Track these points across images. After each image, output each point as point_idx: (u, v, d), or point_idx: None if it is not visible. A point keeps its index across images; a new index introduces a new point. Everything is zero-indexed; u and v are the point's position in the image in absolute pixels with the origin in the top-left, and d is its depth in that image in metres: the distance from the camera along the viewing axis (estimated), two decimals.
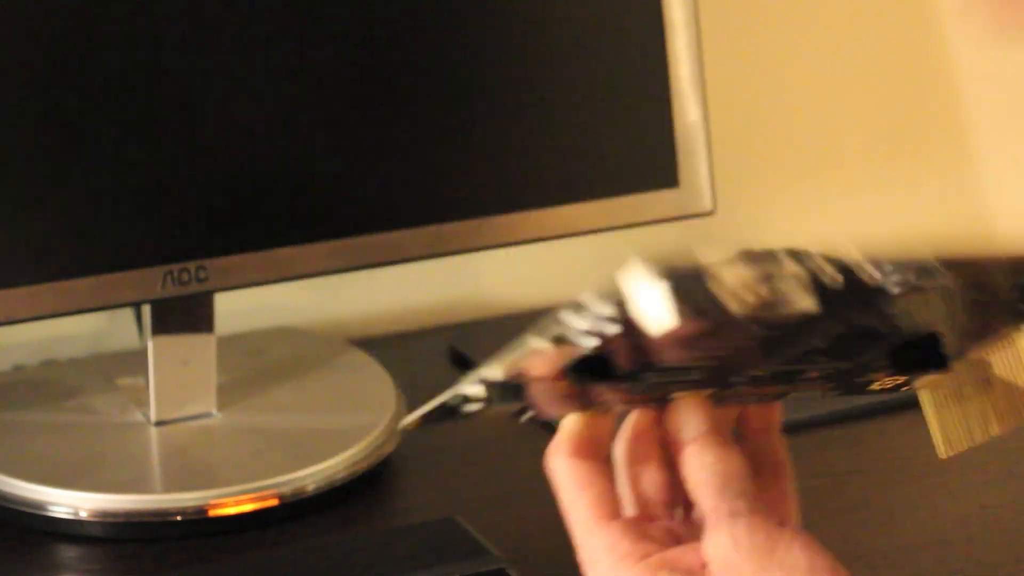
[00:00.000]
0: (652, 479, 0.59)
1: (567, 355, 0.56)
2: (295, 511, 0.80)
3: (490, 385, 0.61)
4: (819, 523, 0.77)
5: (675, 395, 0.58)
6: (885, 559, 0.81)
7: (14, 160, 0.82)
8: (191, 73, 0.83)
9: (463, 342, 0.95)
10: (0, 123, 0.81)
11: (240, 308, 0.95)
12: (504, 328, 0.94)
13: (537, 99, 0.88)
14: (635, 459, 0.60)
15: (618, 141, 0.89)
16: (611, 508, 0.58)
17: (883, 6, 1.10)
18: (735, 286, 0.51)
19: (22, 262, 0.81)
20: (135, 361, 0.88)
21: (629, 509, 0.59)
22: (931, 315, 0.55)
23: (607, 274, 0.95)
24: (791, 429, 0.87)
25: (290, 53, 0.86)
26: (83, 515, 0.79)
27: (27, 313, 0.81)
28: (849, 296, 0.54)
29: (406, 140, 0.86)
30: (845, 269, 0.53)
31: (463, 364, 0.94)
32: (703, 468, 0.57)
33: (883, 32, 1.10)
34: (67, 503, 0.79)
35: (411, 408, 0.87)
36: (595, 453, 0.59)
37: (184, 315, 0.85)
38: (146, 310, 0.85)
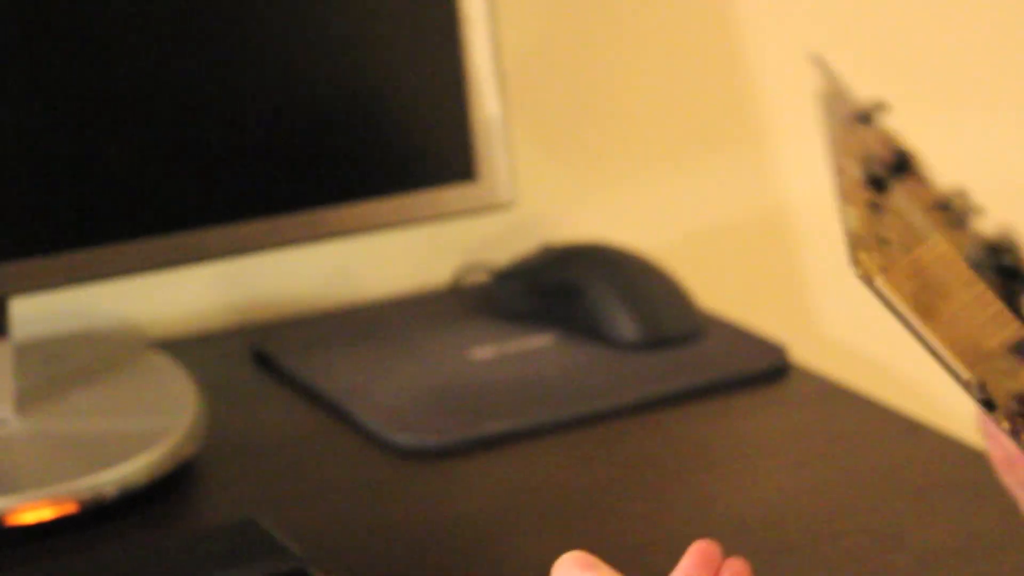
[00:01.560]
0: None
1: None
2: (96, 517, 0.78)
3: None
4: (621, 510, 0.83)
5: None
6: (687, 544, 0.71)
7: None
8: None
9: (267, 342, 0.95)
10: None
11: (39, 312, 0.94)
12: (307, 327, 0.99)
13: (332, 96, 0.88)
14: None
15: (415, 136, 0.90)
16: None
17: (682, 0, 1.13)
18: None
19: None
20: None
21: None
22: None
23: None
24: (594, 419, 0.90)
25: (69, 45, 0.84)
26: None
27: None
28: None
29: (199, 139, 0.86)
30: None
31: (266, 365, 0.94)
32: None
33: (680, 24, 1.11)
34: None
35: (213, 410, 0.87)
36: None
37: None
38: None
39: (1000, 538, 0.78)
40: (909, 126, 1.26)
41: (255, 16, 0.87)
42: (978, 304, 0.53)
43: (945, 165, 1.21)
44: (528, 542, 0.80)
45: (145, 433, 0.82)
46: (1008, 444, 0.57)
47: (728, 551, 0.76)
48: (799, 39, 1.15)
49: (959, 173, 1.26)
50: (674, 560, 0.74)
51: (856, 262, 0.52)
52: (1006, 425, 0.53)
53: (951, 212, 0.56)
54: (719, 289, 1.13)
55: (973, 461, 0.82)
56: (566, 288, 0.98)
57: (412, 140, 0.89)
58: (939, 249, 0.54)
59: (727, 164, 1.14)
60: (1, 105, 0.81)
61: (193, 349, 0.95)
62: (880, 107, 0.56)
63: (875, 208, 0.54)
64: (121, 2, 0.84)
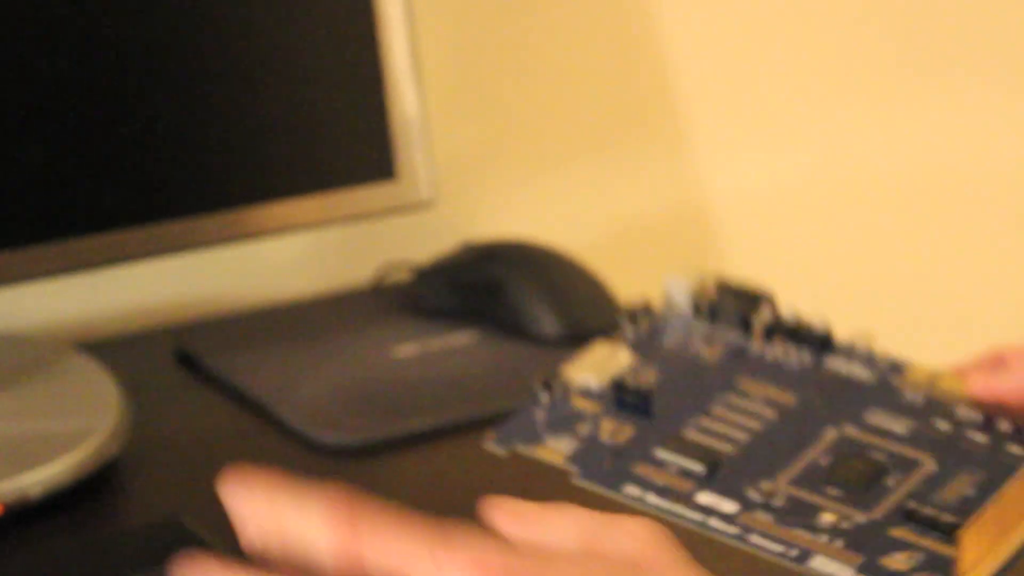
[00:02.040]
0: None
1: None
2: (21, 518, 0.77)
3: None
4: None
5: None
6: None
7: None
8: None
9: (190, 342, 0.95)
10: None
11: None
12: (230, 327, 0.98)
13: (250, 97, 0.88)
14: None
15: (334, 135, 0.90)
16: None
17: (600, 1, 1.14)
18: None
19: None
20: None
21: None
22: None
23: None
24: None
25: None
26: None
27: None
28: None
29: (117, 139, 0.85)
30: None
31: (190, 365, 0.94)
32: None
33: (600, 22, 1.12)
34: None
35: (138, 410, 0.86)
36: None
37: None
38: None
39: None
40: (832, 118, 1.25)
41: (170, 15, 0.86)
42: None
43: (868, 156, 1.18)
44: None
45: (69, 434, 0.81)
46: None
47: None
48: (719, 38, 1.17)
49: (883, 163, 1.26)
50: None
51: None
52: None
53: None
54: (639, 285, 1.17)
55: None
56: (487, 285, 0.98)
57: (331, 139, 0.89)
58: None
59: (647, 162, 1.15)
60: None
61: (116, 350, 0.94)
62: None
63: None
64: (28, 2, 0.83)
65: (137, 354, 0.94)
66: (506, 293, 0.97)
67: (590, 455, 0.62)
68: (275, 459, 0.77)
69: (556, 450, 0.63)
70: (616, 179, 1.14)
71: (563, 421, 0.64)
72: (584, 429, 0.63)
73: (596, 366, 0.66)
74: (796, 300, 0.93)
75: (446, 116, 1.02)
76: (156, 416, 0.87)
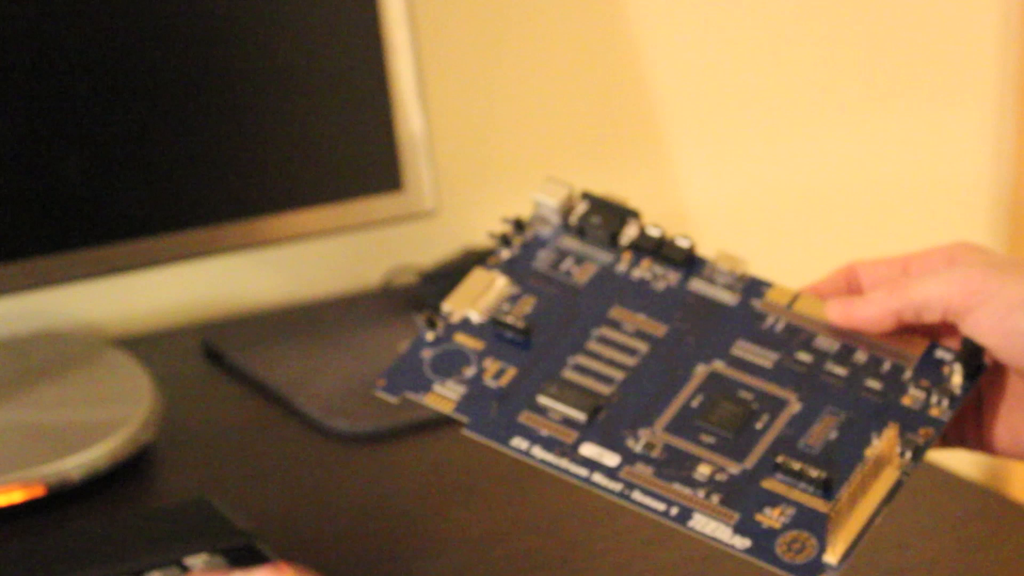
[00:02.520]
0: None
1: None
2: (62, 499, 0.80)
3: None
4: (537, 484, 0.76)
5: None
6: (595, 509, 0.79)
7: None
8: None
9: (216, 339, 0.97)
10: None
11: (5, 314, 0.97)
12: (252, 325, 1.00)
13: (269, 118, 0.91)
14: None
15: (345, 150, 0.92)
16: None
17: (585, 21, 1.14)
18: None
19: None
20: None
21: None
22: None
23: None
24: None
25: (29, 69, 0.85)
26: None
27: None
28: None
29: (150, 157, 0.88)
30: None
31: (215, 359, 0.97)
32: None
33: (586, 43, 1.14)
34: None
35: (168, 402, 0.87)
36: None
37: None
38: None
39: None
40: (795, 134, 1.23)
41: (198, 45, 0.89)
42: None
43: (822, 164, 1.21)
44: (454, 514, 0.82)
45: (106, 423, 0.84)
46: None
47: (619, 520, 0.77)
48: (699, 65, 1.19)
49: (839, 172, 1.24)
50: (587, 526, 0.80)
51: None
52: None
53: None
54: None
55: None
56: None
57: (343, 154, 0.92)
58: None
59: (629, 172, 1.18)
60: None
61: (149, 345, 0.97)
62: None
63: None
64: (74, 29, 0.85)
65: (168, 350, 0.98)
66: None
67: (476, 402, 0.62)
68: (292, 446, 0.87)
69: (444, 397, 0.63)
70: (602, 188, 1.13)
71: (448, 361, 0.64)
72: (469, 372, 0.62)
73: (474, 297, 0.65)
74: None
75: (448, 133, 1.05)
76: (185, 406, 0.91)
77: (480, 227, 1.01)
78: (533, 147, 1.15)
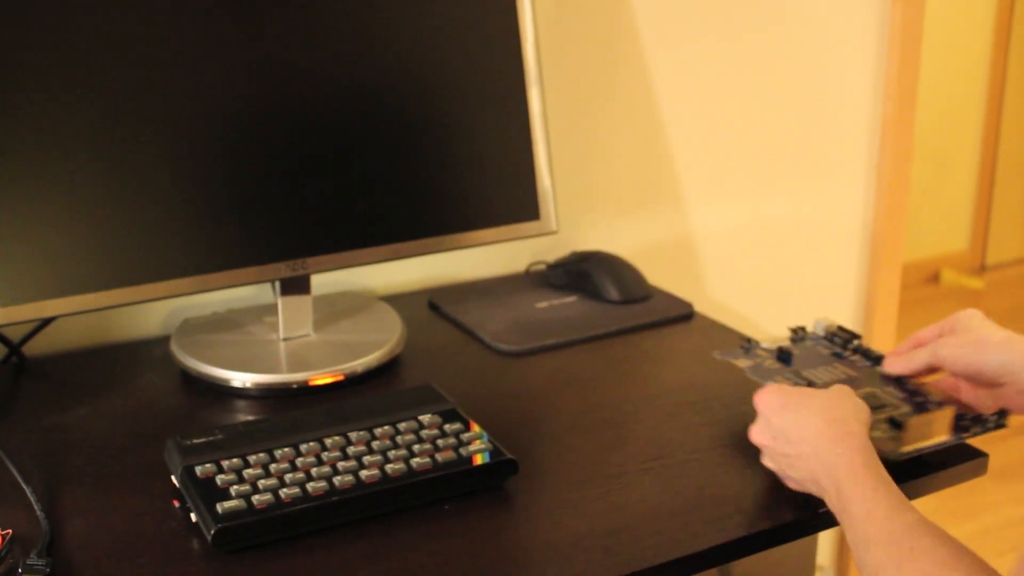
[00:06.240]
0: None
1: None
2: (353, 382, 0.98)
3: None
4: (609, 382, 0.97)
5: None
6: (645, 398, 0.94)
7: (216, 201, 0.91)
8: (310, 143, 0.95)
9: (435, 297, 1.20)
10: (195, 181, 0.90)
11: (323, 281, 1.18)
12: (455, 291, 1.18)
13: (469, 182, 1.05)
14: None
15: (508, 196, 1.07)
16: None
17: (635, 120, 1.29)
18: None
19: (221, 257, 0.95)
20: (273, 309, 1.07)
21: None
22: None
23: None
24: (595, 338, 1.05)
25: (349, 123, 0.96)
26: (247, 384, 0.96)
27: (218, 285, 0.95)
28: None
29: (408, 196, 1.01)
30: None
31: (435, 309, 1.17)
32: None
33: (634, 129, 1.29)
34: (238, 379, 0.97)
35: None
36: None
37: (295, 286, 1.03)
38: (277, 284, 1.03)
39: None
40: (766, 184, 1.34)
41: (403, 118, 0.99)
42: None
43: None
44: (565, 395, 0.96)
45: (376, 342, 1.04)
46: None
47: (654, 403, 0.89)
48: (698, 139, 1.35)
49: (795, 214, 1.37)
50: (628, 415, 0.87)
51: None
52: None
53: None
54: (659, 275, 1.35)
55: None
56: (583, 272, 1.20)
57: (507, 199, 1.07)
58: None
59: (660, 210, 1.37)
60: (318, 170, 0.94)
61: (400, 301, 1.19)
62: None
63: None
64: (319, 92, 0.95)
65: (409, 303, 1.19)
66: (592, 276, 1.18)
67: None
68: (476, 358, 1.04)
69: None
70: (644, 219, 1.37)
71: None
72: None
73: None
74: (749, 302, 1.21)
75: (562, 185, 1.27)
76: (417, 335, 1.10)
77: (580, 239, 1.28)
78: (606, 193, 1.34)
